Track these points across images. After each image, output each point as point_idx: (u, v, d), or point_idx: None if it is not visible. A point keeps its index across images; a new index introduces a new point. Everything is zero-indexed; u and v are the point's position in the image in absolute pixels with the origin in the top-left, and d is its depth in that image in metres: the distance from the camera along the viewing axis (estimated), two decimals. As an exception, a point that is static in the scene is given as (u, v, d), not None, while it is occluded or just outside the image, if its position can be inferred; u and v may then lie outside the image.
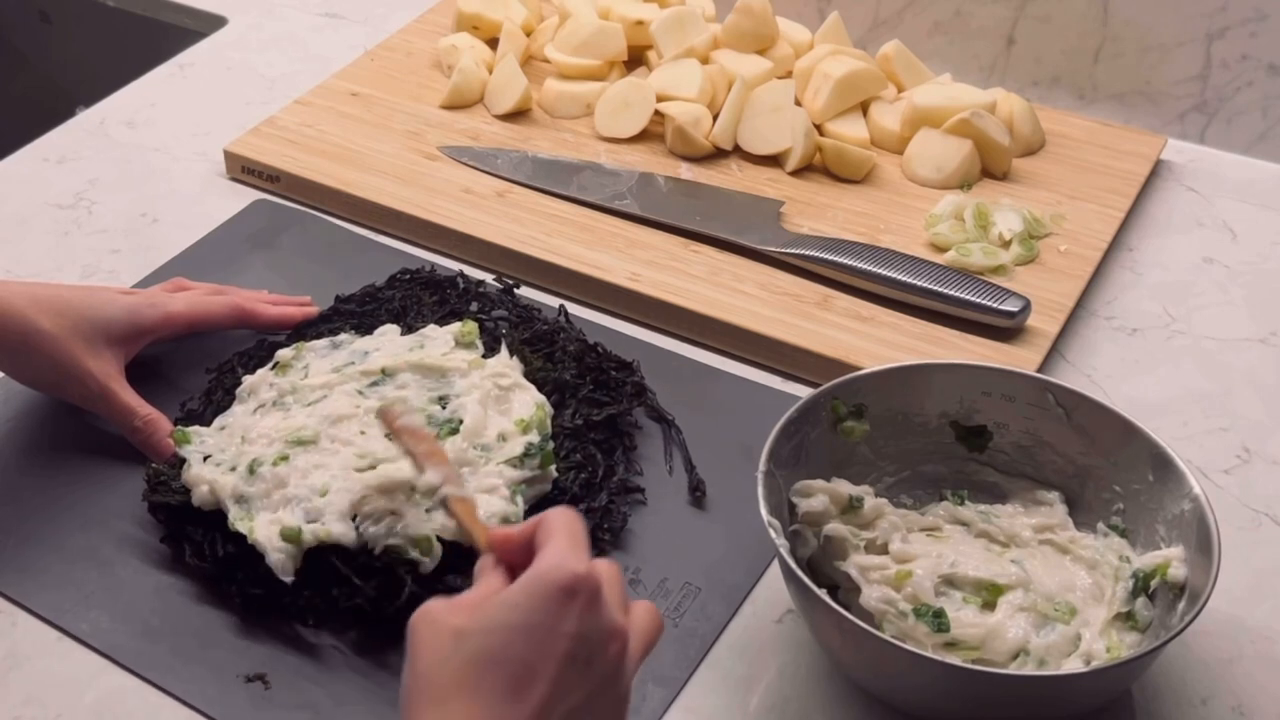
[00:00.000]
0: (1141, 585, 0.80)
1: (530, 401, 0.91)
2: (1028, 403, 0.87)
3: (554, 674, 0.64)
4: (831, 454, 0.87)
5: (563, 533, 0.67)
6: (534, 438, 0.88)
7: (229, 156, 1.22)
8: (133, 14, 1.51)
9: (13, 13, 1.60)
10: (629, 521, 0.90)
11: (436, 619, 0.65)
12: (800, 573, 0.76)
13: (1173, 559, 0.79)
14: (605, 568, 0.67)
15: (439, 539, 0.83)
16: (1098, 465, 0.86)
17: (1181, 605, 0.77)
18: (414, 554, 0.82)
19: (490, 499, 0.85)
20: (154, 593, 0.85)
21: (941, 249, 1.09)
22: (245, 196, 1.19)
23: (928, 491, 0.89)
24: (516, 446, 0.87)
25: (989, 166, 1.18)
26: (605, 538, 0.88)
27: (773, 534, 0.78)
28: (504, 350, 0.94)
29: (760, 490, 0.79)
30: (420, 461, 0.80)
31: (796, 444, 0.84)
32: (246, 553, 0.83)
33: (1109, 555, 0.83)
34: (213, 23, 1.45)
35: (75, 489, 0.92)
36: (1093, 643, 0.79)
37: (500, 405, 0.91)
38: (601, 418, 0.93)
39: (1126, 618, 0.80)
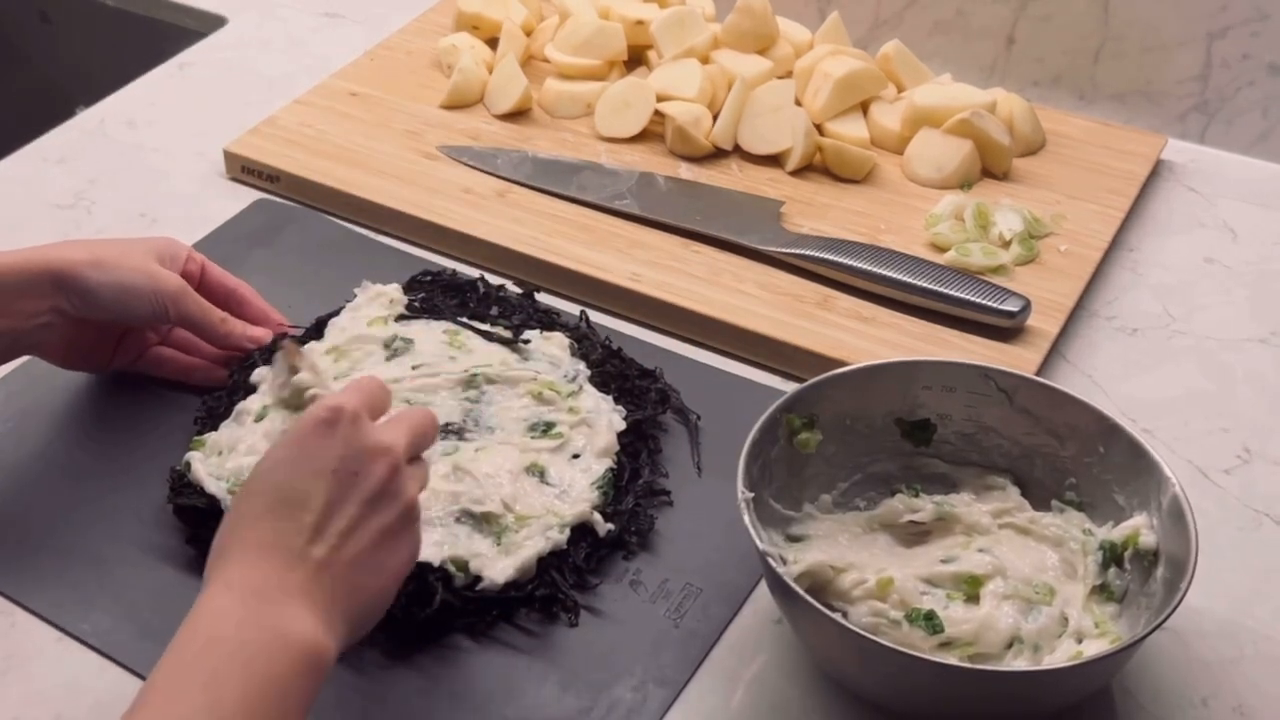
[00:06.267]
0: (1112, 557, 0.81)
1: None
2: (968, 391, 0.87)
3: (324, 492, 0.69)
4: (790, 468, 0.87)
5: (351, 386, 0.75)
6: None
7: (229, 156, 1.22)
8: (133, 14, 1.51)
9: (13, 13, 1.60)
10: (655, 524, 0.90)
11: (232, 503, 0.73)
12: (801, 591, 0.75)
13: (1140, 527, 0.80)
14: (365, 395, 0.74)
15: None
16: (1045, 444, 0.87)
17: (1159, 571, 0.78)
18: (451, 569, 0.83)
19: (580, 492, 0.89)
20: (155, 592, 0.85)
21: (942, 249, 1.09)
22: (245, 196, 1.19)
23: (879, 491, 0.90)
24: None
25: (989, 166, 1.18)
26: (633, 540, 0.88)
27: (772, 563, 0.77)
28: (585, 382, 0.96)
29: (747, 518, 0.79)
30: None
31: (761, 464, 0.84)
32: None
33: (1072, 530, 0.84)
34: (213, 23, 1.45)
35: (75, 488, 0.92)
36: (1080, 620, 0.80)
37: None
38: (628, 424, 0.93)
39: (1101, 589, 0.81)
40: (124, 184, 1.22)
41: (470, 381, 0.93)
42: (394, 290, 1.02)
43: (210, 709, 0.63)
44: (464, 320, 1.00)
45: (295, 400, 0.85)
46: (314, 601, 0.68)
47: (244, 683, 0.64)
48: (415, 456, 0.76)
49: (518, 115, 1.25)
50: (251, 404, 0.92)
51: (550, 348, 0.98)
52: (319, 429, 0.71)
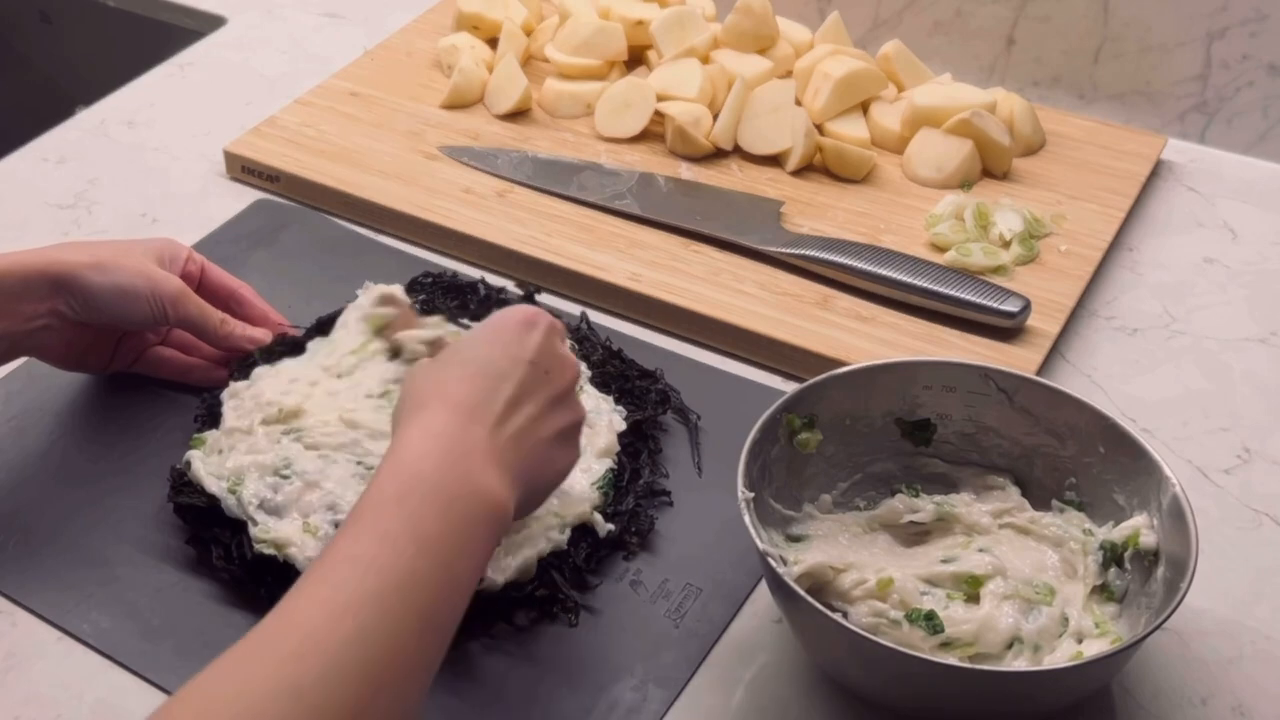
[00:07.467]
0: (1112, 557, 0.82)
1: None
2: (968, 391, 0.87)
3: (520, 377, 0.75)
4: (790, 467, 0.87)
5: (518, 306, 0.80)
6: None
7: (229, 156, 1.22)
8: (133, 14, 1.51)
9: (13, 13, 1.60)
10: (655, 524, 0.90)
11: (420, 365, 0.78)
12: (801, 591, 0.75)
13: (1141, 527, 0.80)
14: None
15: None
16: (1045, 444, 0.87)
17: (1160, 570, 0.78)
18: None
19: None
20: (155, 593, 0.85)
21: (942, 249, 1.09)
22: (245, 196, 1.19)
23: (880, 491, 0.90)
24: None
25: (989, 166, 1.18)
26: (633, 540, 0.88)
27: (772, 563, 0.77)
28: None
29: (747, 518, 0.79)
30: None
31: (761, 464, 0.84)
32: (275, 555, 0.83)
33: (1072, 530, 0.84)
34: (213, 23, 1.45)
35: (75, 488, 0.92)
36: (1080, 621, 0.80)
37: None
38: (628, 424, 0.93)
39: (1101, 589, 0.82)
40: (124, 184, 1.22)
41: None
42: (396, 291, 1.02)
43: (413, 533, 0.67)
44: (465, 321, 1.00)
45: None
46: (503, 466, 0.73)
47: (441, 518, 0.68)
48: None
49: (518, 115, 1.25)
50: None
51: None
52: (521, 326, 0.77)
